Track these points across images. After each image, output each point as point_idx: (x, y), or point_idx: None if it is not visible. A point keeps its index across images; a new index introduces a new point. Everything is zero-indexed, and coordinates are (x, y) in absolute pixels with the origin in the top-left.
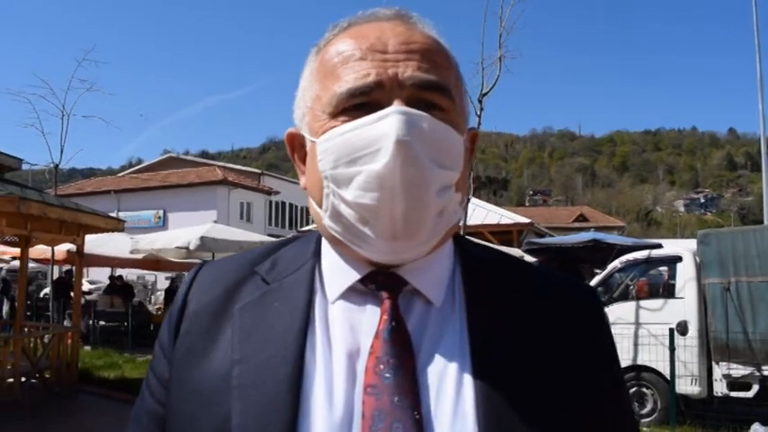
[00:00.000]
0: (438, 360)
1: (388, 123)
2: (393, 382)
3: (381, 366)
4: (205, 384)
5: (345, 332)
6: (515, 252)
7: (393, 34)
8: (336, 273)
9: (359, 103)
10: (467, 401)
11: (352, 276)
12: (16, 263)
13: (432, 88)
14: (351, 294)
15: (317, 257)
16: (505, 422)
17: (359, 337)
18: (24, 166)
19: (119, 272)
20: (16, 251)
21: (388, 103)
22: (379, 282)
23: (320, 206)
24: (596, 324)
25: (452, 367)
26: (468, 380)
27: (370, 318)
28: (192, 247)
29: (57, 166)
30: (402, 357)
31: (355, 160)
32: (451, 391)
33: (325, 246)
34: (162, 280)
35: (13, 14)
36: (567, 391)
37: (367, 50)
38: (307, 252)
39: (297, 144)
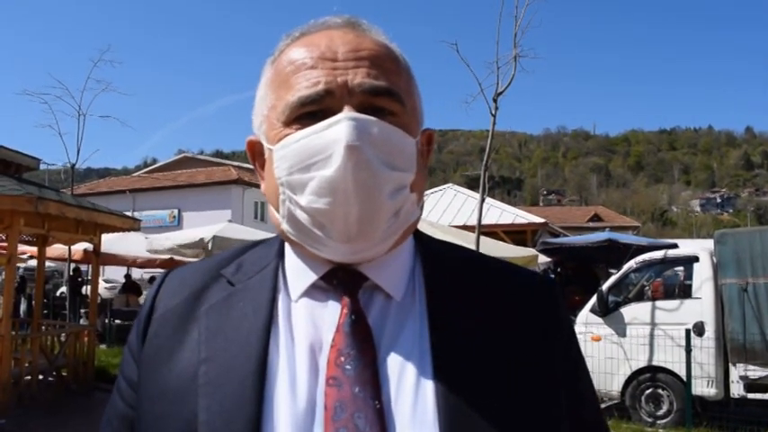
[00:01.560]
0: (398, 352)
1: (338, 130)
2: (354, 373)
3: (342, 359)
4: (173, 384)
5: (308, 328)
6: (530, 252)
7: (342, 42)
8: (298, 272)
9: (310, 111)
10: (427, 391)
11: (313, 275)
12: (33, 262)
13: (381, 94)
14: (313, 292)
15: (281, 258)
16: (465, 411)
17: (321, 332)
18: (41, 167)
19: (133, 271)
20: (34, 250)
21: (339, 110)
22: (339, 278)
23: (278, 211)
24: (554, 317)
25: (413, 358)
26: (427, 370)
27: (332, 313)
28: (208, 246)
29: (73, 165)
30: (362, 349)
31: (309, 166)
32: (412, 381)
33: (288, 247)
34: None
35: (30, 16)
36: (525, 380)
37: (318, 59)
38: (270, 253)
39: (257, 151)
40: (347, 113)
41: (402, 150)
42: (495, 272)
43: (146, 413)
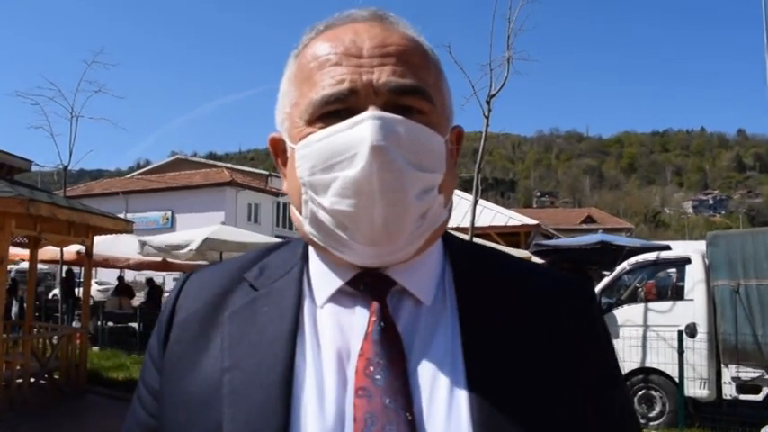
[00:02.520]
0: (430, 360)
1: (362, 129)
2: (384, 383)
3: (371, 368)
4: (196, 392)
5: (335, 335)
6: (523, 254)
7: (368, 36)
8: (324, 276)
9: (334, 110)
10: (460, 402)
11: (339, 279)
12: (25, 264)
13: (408, 92)
14: (339, 297)
15: (305, 261)
16: (499, 422)
17: (348, 340)
18: (33, 168)
19: (126, 273)
20: (26, 253)
21: (364, 109)
22: (367, 283)
23: (300, 212)
24: (589, 320)
25: (445, 367)
26: (460, 380)
27: (360, 320)
28: (199, 248)
29: (66, 167)
30: (392, 358)
31: (331, 167)
32: (444, 392)
33: (312, 250)
34: (170, 281)
35: (23, 17)
36: (561, 389)
37: (342, 55)
38: (294, 257)
39: (279, 149)
40: (372, 112)
41: (430, 150)
42: (528, 275)
43: (169, 422)
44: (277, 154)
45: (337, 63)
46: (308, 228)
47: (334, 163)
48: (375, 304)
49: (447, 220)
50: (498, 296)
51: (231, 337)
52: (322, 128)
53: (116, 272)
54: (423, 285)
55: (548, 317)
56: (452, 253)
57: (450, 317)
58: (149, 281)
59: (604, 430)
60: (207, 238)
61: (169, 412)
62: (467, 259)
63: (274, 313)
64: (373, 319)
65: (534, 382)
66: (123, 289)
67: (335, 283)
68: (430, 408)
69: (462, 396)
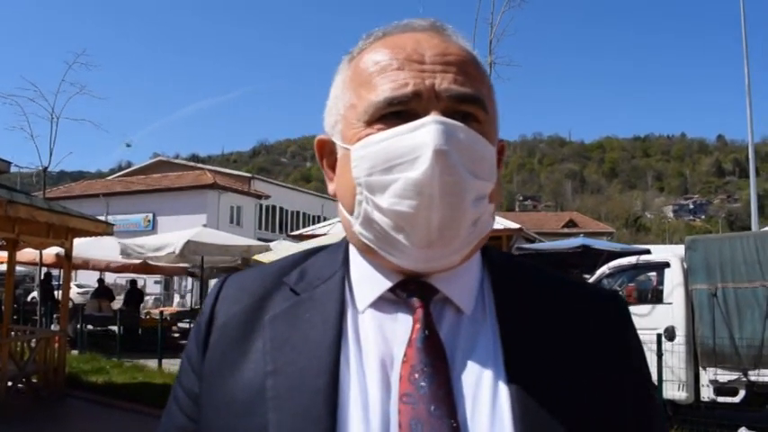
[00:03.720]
0: (472, 368)
1: (426, 132)
2: (428, 390)
3: (416, 375)
4: (239, 396)
5: (378, 342)
6: None
7: (429, 45)
8: (366, 282)
9: (395, 112)
10: (504, 409)
11: (382, 285)
12: (2, 266)
13: (467, 101)
14: (381, 304)
15: (346, 267)
16: (542, 430)
17: (392, 347)
18: (12, 169)
19: (106, 276)
20: (3, 255)
21: (425, 114)
22: (411, 290)
23: (351, 213)
24: (623, 329)
25: (487, 375)
26: (503, 388)
27: (402, 326)
28: (180, 251)
29: (45, 169)
30: (436, 366)
31: (392, 168)
32: (488, 400)
33: (354, 254)
34: (151, 284)
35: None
36: (600, 397)
37: (404, 60)
38: (335, 262)
39: (327, 151)
40: (435, 117)
41: (484, 158)
42: (562, 286)
43: (210, 425)
44: (323, 156)
45: (399, 68)
46: (358, 228)
47: (395, 164)
48: (420, 311)
49: (490, 230)
50: (536, 306)
51: (273, 342)
52: (381, 129)
53: (96, 274)
54: (464, 294)
55: (584, 327)
56: (490, 263)
57: (489, 326)
58: (132, 282)
59: None
60: (188, 241)
61: (210, 415)
62: (504, 269)
63: (317, 319)
64: (417, 326)
65: (574, 391)
66: (103, 291)
67: (378, 289)
68: (473, 416)
69: (505, 404)
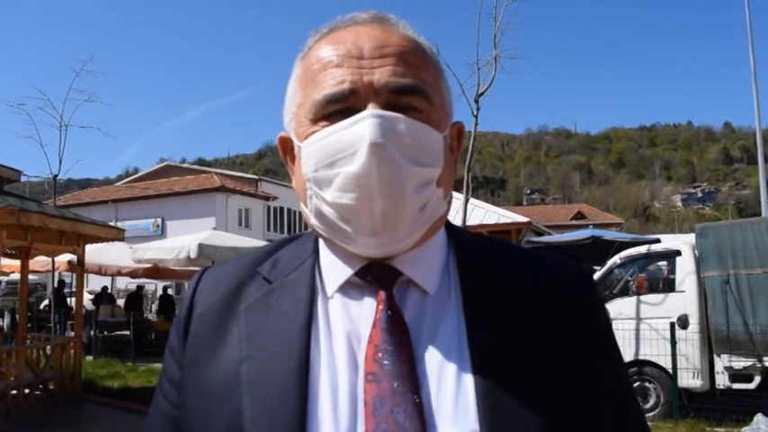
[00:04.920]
0: (437, 348)
1: (362, 127)
2: (392, 368)
3: (380, 354)
4: (216, 382)
5: (346, 325)
6: None
7: (368, 39)
8: (333, 268)
9: (338, 110)
10: (467, 388)
11: (347, 271)
12: (15, 275)
13: (407, 92)
14: (349, 288)
15: (316, 255)
16: (505, 407)
17: (359, 329)
18: (22, 178)
19: (117, 281)
20: (16, 264)
21: (364, 108)
22: (374, 274)
23: (307, 207)
24: (590, 306)
25: (452, 355)
26: (467, 367)
27: (368, 309)
28: (192, 254)
29: (55, 177)
30: (399, 344)
31: (333, 163)
32: (452, 378)
33: (322, 243)
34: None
35: (12, 26)
36: (565, 376)
37: (343, 57)
38: (306, 250)
39: (288, 147)
40: (371, 111)
41: (427, 146)
42: (530, 262)
43: (191, 411)
44: (285, 152)
45: (339, 65)
46: (313, 221)
47: (336, 159)
48: (382, 293)
49: (447, 212)
50: (501, 285)
51: (248, 329)
52: (326, 126)
53: (108, 280)
54: (427, 276)
55: (550, 303)
56: (456, 244)
57: (455, 306)
58: (139, 288)
59: (608, 414)
60: (200, 244)
61: (191, 401)
62: (470, 250)
63: (288, 305)
64: (381, 307)
65: (538, 369)
66: (105, 297)
67: (344, 274)
68: (438, 393)
69: (469, 382)
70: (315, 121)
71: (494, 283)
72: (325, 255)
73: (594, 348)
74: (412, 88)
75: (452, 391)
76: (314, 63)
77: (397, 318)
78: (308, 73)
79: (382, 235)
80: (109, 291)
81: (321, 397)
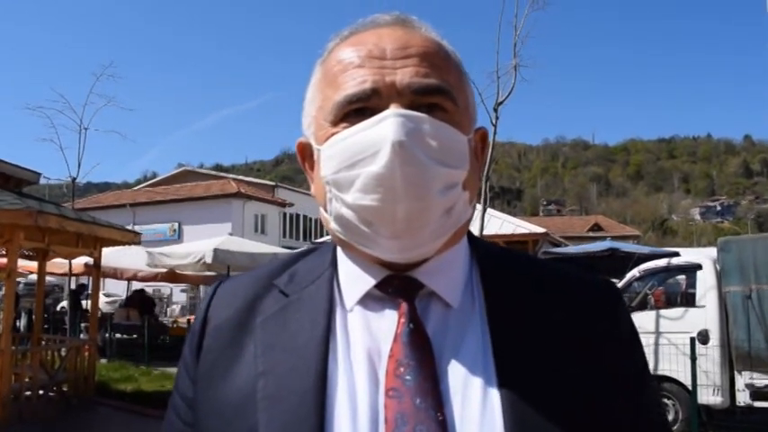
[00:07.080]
0: (461, 362)
1: (384, 126)
2: (414, 384)
3: (401, 369)
4: (231, 399)
5: (365, 338)
6: None
7: (391, 40)
8: (352, 280)
9: (358, 109)
10: (494, 403)
11: (367, 282)
12: (32, 277)
13: (431, 92)
14: (368, 301)
15: (334, 267)
16: (533, 423)
17: (379, 343)
18: (42, 181)
19: (135, 285)
20: (34, 266)
21: (387, 108)
22: (395, 286)
23: (326, 211)
24: (616, 319)
25: (476, 369)
26: (493, 381)
27: (389, 322)
28: (207, 260)
29: (74, 179)
30: (422, 359)
31: (355, 164)
32: (477, 394)
33: (341, 254)
34: (177, 293)
35: (34, 31)
36: (592, 389)
37: (365, 57)
38: (323, 262)
39: (307, 153)
40: (395, 110)
41: (452, 147)
42: (554, 276)
43: (204, 429)
44: (304, 158)
45: (360, 65)
46: (333, 225)
47: (358, 160)
48: (404, 306)
49: (470, 219)
50: (525, 298)
51: (264, 344)
52: (346, 128)
53: (123, 283)
54: (450, 288)
55: (575, 317)
56: (479, 256)
57: (478, 319)
58: (140, 291)
59: (636, 429)
60: (216, 249)
61: (204, 420)
62: (493, 262)
63: (305, 319)
64: (402, 321)
65: (565, 383)
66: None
67: (364, 286)
68: (463, 409)
69: (495, 397)
70: (335, 123)
71: (519, 295)
72: (344, 266)
73: (621, 362)
74: (436, 89)
75: (478, 408)
76: (334, 65)
77: (420, 331)
78: (329, 75)
79: (405, 238)
80: (144, 294)
81: (340, 414)
